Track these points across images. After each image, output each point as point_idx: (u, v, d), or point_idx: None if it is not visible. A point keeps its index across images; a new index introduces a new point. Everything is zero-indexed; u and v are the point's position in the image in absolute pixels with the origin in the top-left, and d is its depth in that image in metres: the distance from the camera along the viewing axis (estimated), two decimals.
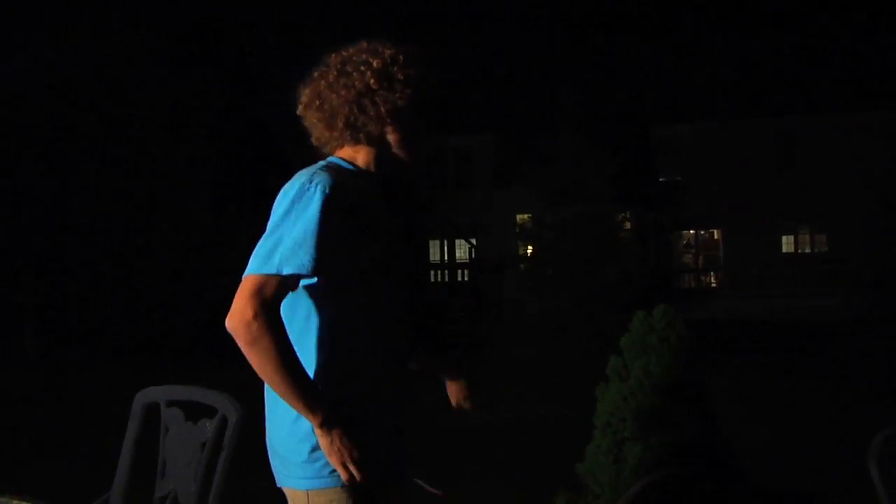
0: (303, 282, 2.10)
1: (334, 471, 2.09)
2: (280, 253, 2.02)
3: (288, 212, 2.06)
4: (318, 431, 2.06)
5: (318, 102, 2.23)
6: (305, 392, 2.03)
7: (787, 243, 29.10)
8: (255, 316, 1.97)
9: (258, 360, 1.99)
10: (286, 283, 2.03)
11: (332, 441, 2.06)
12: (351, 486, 2.09)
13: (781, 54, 28.20)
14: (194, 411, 2.88)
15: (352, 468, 2.06)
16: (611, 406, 3.77)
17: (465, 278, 26.62)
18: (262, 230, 2.10)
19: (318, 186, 2.06)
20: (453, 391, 2.61)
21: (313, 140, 2.29)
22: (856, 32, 28.33)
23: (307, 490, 2.12)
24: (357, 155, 2.25)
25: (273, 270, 2.01)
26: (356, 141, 2.23)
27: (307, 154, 2.33)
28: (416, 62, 2.26)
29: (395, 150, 2.25)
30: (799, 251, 28.93)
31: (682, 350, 3.83)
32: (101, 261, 14.80)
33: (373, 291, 2.15)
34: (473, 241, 29.31)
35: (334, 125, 2.21)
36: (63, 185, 14.99)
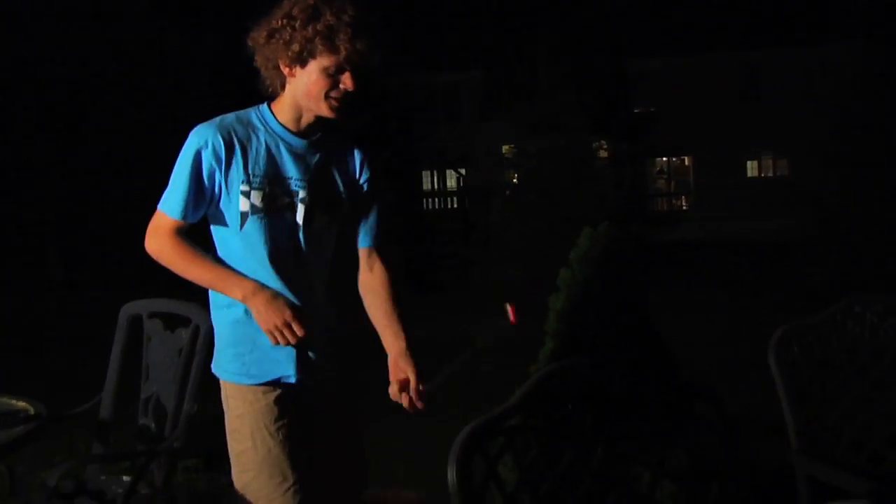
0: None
1: (246, 374, 2.25)
2: (166, 194, 2.25)
3: (180, 156, 2.23)
4: (248, 305, 2.20)
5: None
6: (215, 280, 2.24)
7: (751, 168, 29.07)
8: (147, 243, 2.26)
9: (169, 267, 2.25)
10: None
11: (257, 311, 2.18)
12: (260, 388, 2.25)
13: None
14: (172, 321, 2.96)
15: (276, 333, 2.16)
16: (560, 314, 3.86)
17: (455, 205, 26.68)
18: None
19: (193, 141, 2.22)
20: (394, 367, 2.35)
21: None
22: None
23: (224, 381, 2.31)
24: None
25: (161, 208, 2.26)
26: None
27: None
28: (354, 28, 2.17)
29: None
30: (763, 175, 28.92)
31: (625, 261, 3.91)
32: (117, 201, 14.82)
33: (256, 232, 2.22)
34: (462, 170, 29.25)
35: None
36: (79, 132, 14.95)
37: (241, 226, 2.21)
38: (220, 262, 2.26)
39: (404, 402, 2.28)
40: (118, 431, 3.06)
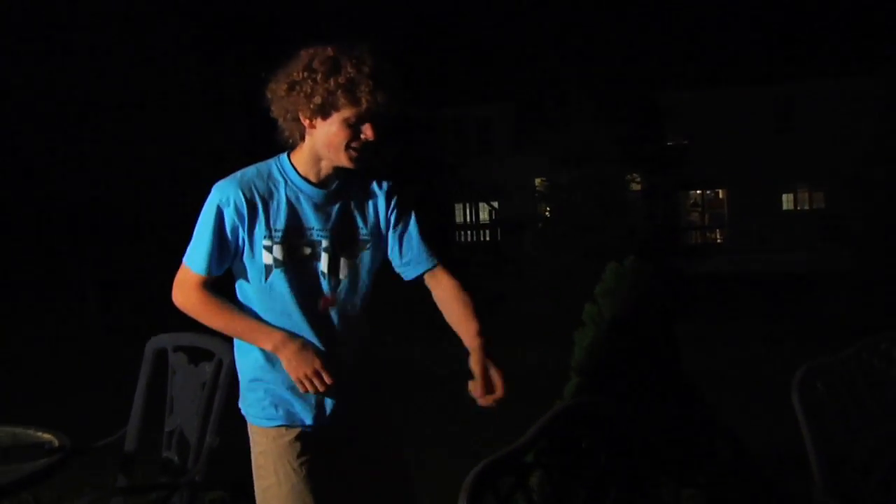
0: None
1: (266, 416, 2.30)
2: (190, 249, 2.29)
3: (202, 212, 2.27)
4: (278, 355, 2.25)
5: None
6: (244, 331, 2.28)
7: (787, 201, 28.74)
8: (174, 296, 2.30)
9: (197, 319, 2.30)
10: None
11: (287, 360, 2.23)
12: (283, 427, 2.29)
13: (776, 24, 27.64)
14: (197, 355, 2.99)
15: (306, 382, 2.22)
16: (586, 349, 3.84)
17: (488, 238, 26.71)
18: None
19: (215, 197, 2.25)
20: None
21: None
22: (842, 4, 27.61)
23: (249, 422, 2.36)
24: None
25: (186, 262, 2.29)
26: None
27: None
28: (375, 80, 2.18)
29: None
30: (799, 208, 28.60)
31: (651, 297, 3.88)
32: (153, 233, 15.01)
33: (281, 284, 2.26)
34: (495, 203, 29.30)
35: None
36: (113, 163, 15.14)
37: (266, 278, 2.25)
38: (247, 312, 2.29)
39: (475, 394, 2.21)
40: (143, 464, 3.08)
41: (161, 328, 3.24)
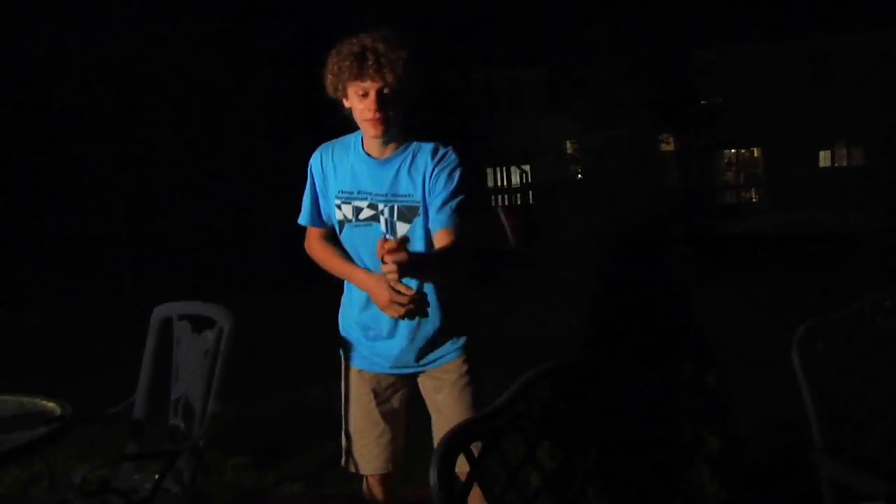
0: None
1: (347, 358, 2.81)
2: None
3: None
4: (368, 292, 2.61)
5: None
6: (347, 276, 2.69)
7: (824, 158, 28.26)
8: (305, 245, 2.79)
9: (318, 263, 2.76)
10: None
11: (373, 295, 2.56)
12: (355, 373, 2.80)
13: None
14: (200, 323, 3.01)
15: (391, 308, 2.48)
16: (595, 312, 3.84)
17: (519, 202, 26.60)
18: None
19: (310, 160, 2.70)
20: None
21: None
22: None
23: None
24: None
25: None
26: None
27: None
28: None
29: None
30: (836, 165, 28.09)
31: (665, 260, 3.86)
32: (184, 201, 15.13)
33: (350, 238, 2.66)
34: (526, 167, 29.14)
35: None
36: (144, 132, 15.21)
37: (340, 231, 2.66)
38: (351, 260, 2.67)
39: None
40: (152, 430, 3.12)
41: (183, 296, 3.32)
